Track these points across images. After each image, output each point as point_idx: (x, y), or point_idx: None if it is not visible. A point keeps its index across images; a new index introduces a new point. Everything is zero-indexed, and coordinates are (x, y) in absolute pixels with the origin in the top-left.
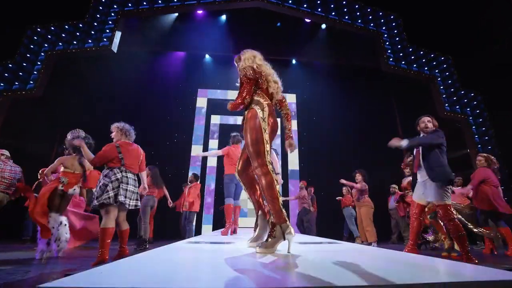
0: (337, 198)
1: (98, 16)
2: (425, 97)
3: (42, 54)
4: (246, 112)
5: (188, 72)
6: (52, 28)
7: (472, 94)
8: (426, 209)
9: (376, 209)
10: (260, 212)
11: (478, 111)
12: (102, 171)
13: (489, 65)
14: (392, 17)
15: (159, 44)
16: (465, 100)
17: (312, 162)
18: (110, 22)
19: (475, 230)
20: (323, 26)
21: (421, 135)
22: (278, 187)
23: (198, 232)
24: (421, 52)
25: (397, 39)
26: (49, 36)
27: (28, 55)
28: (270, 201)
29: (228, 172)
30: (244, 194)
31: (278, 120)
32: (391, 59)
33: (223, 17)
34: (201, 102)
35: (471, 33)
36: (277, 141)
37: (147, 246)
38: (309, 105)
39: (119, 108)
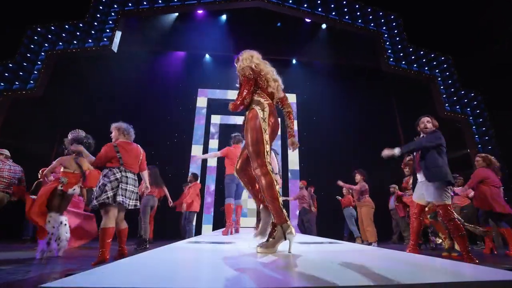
0: (337, 197)
1: (98, 15)
2: (425, 97)
3: (43, 53)
4: (247, 112)
5: (188, 72)
6: (52, 28)
7: (472, 94)
8: (426, 209)
9: (376, 209)
10: (262, 206)
11: (478, 111)
12: (102, 171)
13: (490, 65)
14: (392, 17)
15: (159, 44)
16: (465, 100)
17: (312, 162)
18: (110, 22)
19: (468, 227)
20: (324, 26)
21: (421, 135)
22: (278, 187)
23: (198, 232)
24: (422, 52)
25: (398, 39)
26: (49, 36)
27: (28, 55)
28: (270, 202)
29: (229, 172)
30: (244, 194)
31: (279, 119)
32: (391, 59)
33: (223, 17)
34: (201, 102)
35: (471, 33)
36: (277, 141)
37: (147, 246)
38: (309, 105)
39: (119, 108)
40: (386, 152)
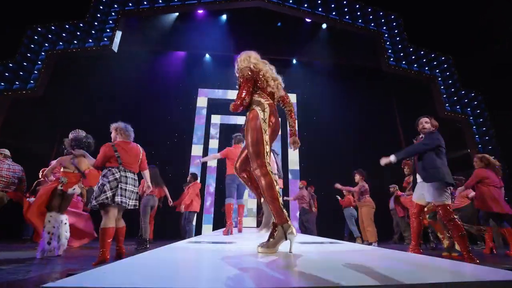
0: (337, 196)
1: (98, 15)
2: (426, 97)
3: (43, 53)
4: (247, 113)
5: (189, 72)
6: (53, 27)
7: (473, 94)
8: (426, 209)
9: (377, 209)
10: (262, 199)
11: (478, 111)
12: (102, 171)
13: (490, 65)
14: (392, 17)
15: (159, 43)
16: (466, 100)
17: (312, 162)
18: (110, 22)
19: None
20: (324, 26)
21: (421, 135)
22: (278, 188)
23: (198, 232)
24: (422, 52)
25: (398, 39)
26: (49, 36)
27: (28, 55)
28: (271, 202)
29: (230, 173)
30: (245, 194)
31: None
32: (391, 59)
33: (224, 16)
34: (202, 102)
35: (471, 33)
36: (277, 142)
37: (148, 246)
38: (310, 105)
39: (120, 107)
40: (383, 161)
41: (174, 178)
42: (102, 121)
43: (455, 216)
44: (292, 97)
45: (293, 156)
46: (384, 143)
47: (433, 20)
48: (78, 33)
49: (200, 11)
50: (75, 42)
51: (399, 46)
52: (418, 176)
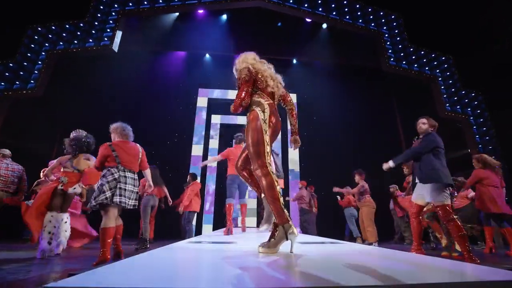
0: (337, 196)
1: (99, 15)
2: (426, 97)
3: (43, 53)
4: (247, 113)
5: (189, 72)
6: (53, 27)
7: (473, 94)
8: (425, 209)
9: (377, 209)
10: (262, 194)
11: (479, 111)
12: (102, 172)
13: (490, 65)
14: (393, 17)
15: (159, 43)
16: (466, 100)
17: (312, 162)
18: (111, 22)
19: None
20: (324, 25)
21: (420, 136)
22: (279, 188)
23: (198, 232)
24: (422, 52)
25: (398, 39)
26: (49, 36)
27: (29, 55)
28: (271, 202)
29: (231, 173)
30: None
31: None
32: (392, 59)
33: (224, 16)
34: (202, 102)
35: (471, 33)
36: (277, 142)
37: (148, 246)
38: (310, 105)
39: (120, 107)
40: (384, 166)
41: (174, 178)
42: (102, 121)
43: (454, 216)
44: (292, 97)
45: (294, 156)
46: (385, 143)
47: (433, 20)
48: (79, 33)
49: (201, 11)
50: (76, 42)
51: (400, 46)
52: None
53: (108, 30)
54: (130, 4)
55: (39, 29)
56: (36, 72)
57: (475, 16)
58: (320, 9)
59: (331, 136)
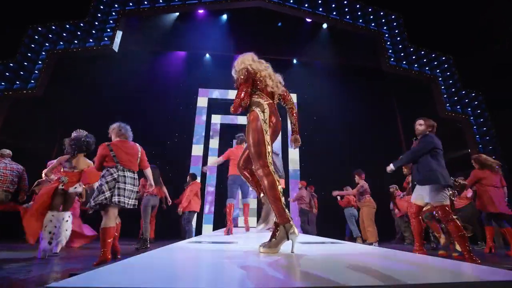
0: (337, 196)
1: (99, 15)
2: (426, 97)
3: (43, 53)
4: (247, 114)
5: (189, 72)
6: (53, 27)
7: (473, 94)
8: (424, 209)
9: (378, 209)
10: (262, 193)
11: (479, 111)
12: (102, 172)
13: (490, 65)
14: (393, 17)
15: (160, 43)
16: (466, 100)
17: (313, 162)
18: (111, 22)
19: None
20: (324, 25)
21: (418, 137)
22: (280, 187)
23: (199, 232)
24: (422, 52)
25: (398, 39)
26: (50, 35)
27: (29, 54)
28: (273, 202)
29: (232, 173)
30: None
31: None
32: (392, 59)
33: (224, 16)
34: (202, 102)
35: (472, 33)
36: (277, 142)
37: (148, 246)
38: (310, 105)
39: (120, 107)
40: (388, 169)
41: (174, 178)
42: (102, 121)
43: (454, 217)
44: (293, 97)
45: (294, 156)
46: (385, 143)
47: (433, 20)
48: (79, 32)
49: (201, 11)
50: (76, 41)
51: (400, 46)
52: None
53: (109, 30)
54: (131, 4)
55: (40, 29)
56: (36, 72)
57: (475, 16)
58: (321, 9)
59: (331, 136)
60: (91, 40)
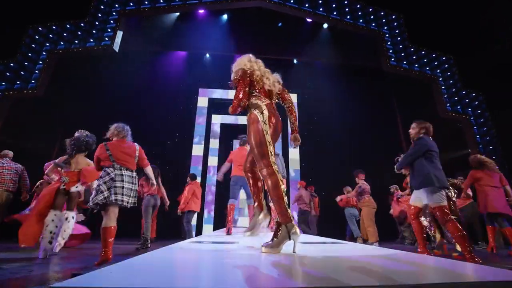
0: (338, 197)
1: (99, 15)
2: (427, 97)
3: (44, 53)
4: (247, 116)
5: (189, 72)
6: (54, 27)
7: (474, 94)
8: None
9: (378, 209)
10: (256, 204)
11: (479, 111)
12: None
13: (491, 65)
14: (393, 17)
15: (160, 43)
16: (467, 100)
17: (313, 162)
18: (111, 21)
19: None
20: (325, 25)
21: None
22: (283, 187)
23: (199, 232)
24: (423, 52)
25: (399, 39)
26: (50, 35)
27: (29, 54)
28: (276, 201)
29: (234, 174)
30: (244, 194)
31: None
32: (392, 59)
33: (225, 16)
34: (202, 102)
35: (472, 33)
36: (277, 142)
37: (149, 246)
38: (310, 105)
39: (120, 107)
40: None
41: (174, 178)
42: (103, 121)
43: (452, 217)
44: (293, 97)
45: (294, 156)
46: (385, 143)
47: (434, 20)
48: (79, 32)
49: (201, 11)
50: (76, 41)
51: (400, 46)
52: None
53: (109, 30)
54: (131, 4)
55: (40, 29)
56: (37, 72)
57: (475, 16)
58: (321, 9)
59: (332, 136)
60: (91, 40)
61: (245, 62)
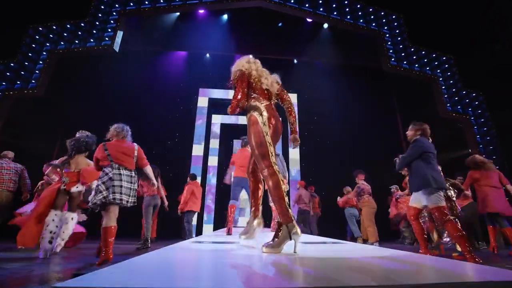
0: (338, 197)
1: (100, 15)
2: (427, 97)
3: (44, 53)
4: (247, 118)
5: (190, 72)
6: (54, 27)
7: (474, 94)
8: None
9: (377, 209)
10: (252, 209)
11: (480, 111)
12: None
13: (491, 65)
14: (393, 16)
15: (160, 43)
16: (467, 100)
17: (313, 162)
18: (112, 21)
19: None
20: (325, 25)
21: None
22: (284, 187)
23: (199, 232)
24: (423, 52)
25: (399, 39)
26: (51, 35)
27: (30, 54)
28: (277, 201)
29: (236, 175)
30: (244, 194)
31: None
32: (392, 59)
33: (225, 16)
34: (202, 102)
35: (472, 33)
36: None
37: (149, 246)
38: (311, 105)
39: (121, 107)
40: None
41: (174, 178)
42: (103, 121)
43: (451, 217)
44: (293, 97)
45: (294, 156)
46: (385, 143)
47: (434, 20)
48: (80, 32)
49: (201, 11)
50: (77, 41)
51: (400, 46)
52: None
53: (109, 30)
54: (131, 4)
55: (40, 28)
56: (37, 72)
57: (476, 16)
58: (321, 9)
59: (332, 136)
60: (92, 40)
61: (243, 63)
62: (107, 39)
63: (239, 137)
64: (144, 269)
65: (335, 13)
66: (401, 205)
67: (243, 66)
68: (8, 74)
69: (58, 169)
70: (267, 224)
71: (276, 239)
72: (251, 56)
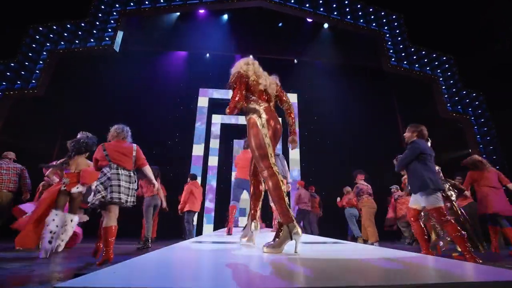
0: (338, 198)
1: (100, 15)
2: (427, 97)
3: (44, 53)
4: (246, 120)
5: (190, 72)
6: (54, 27)
7: (474, 94)
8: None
9: (378, 209)
10: (252, 211)
11: (480, 111)
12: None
13: (491, 64)
14: (394, 17)
15: (161, 43)
16: (467, 100)
17: (313, 162)
18: (112, 21)
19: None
20: (325, 25)
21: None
22: (284, 188)
23: (199, 232)
24: (423, 52)
25: (399, 39)
26: (51, 35)
27: (30, 54)
28: (277, 202)
29: (238, 176)
30: (245, 194)
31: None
32: (393, 59)
33: (225, 16)
34: (203, 102)
35: (472, 33)
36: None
37: (150, 246)
38: (311, 105)
39: (121, 107)
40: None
41: (174, 178)
42: (103, 121)
43: (449, 218)
44: (293, 97)
45: (294, 156)
46: (385, 143)
47: (434, 20)
48: (80, 32)
49: (202, 11)
50: (77, 41)
51: (401, 46)
52: None
53: (110, 30)
54: (131, 3)
55: (41, 28)
56: (37, 71)
57: (476, 16)
58: (322, 9)
59: (332, 136)
60: (92, 40)
61: (242, 65)
62: (107, 39)
63: (239, 137)
64: (144, 269)
65: (335, 13)
66: (400, 206)
67: (241, 68)
68: (8, 74)
69: (58, 170)
70: (268, 225)
71: (277, 239)
72: (251, 57)
